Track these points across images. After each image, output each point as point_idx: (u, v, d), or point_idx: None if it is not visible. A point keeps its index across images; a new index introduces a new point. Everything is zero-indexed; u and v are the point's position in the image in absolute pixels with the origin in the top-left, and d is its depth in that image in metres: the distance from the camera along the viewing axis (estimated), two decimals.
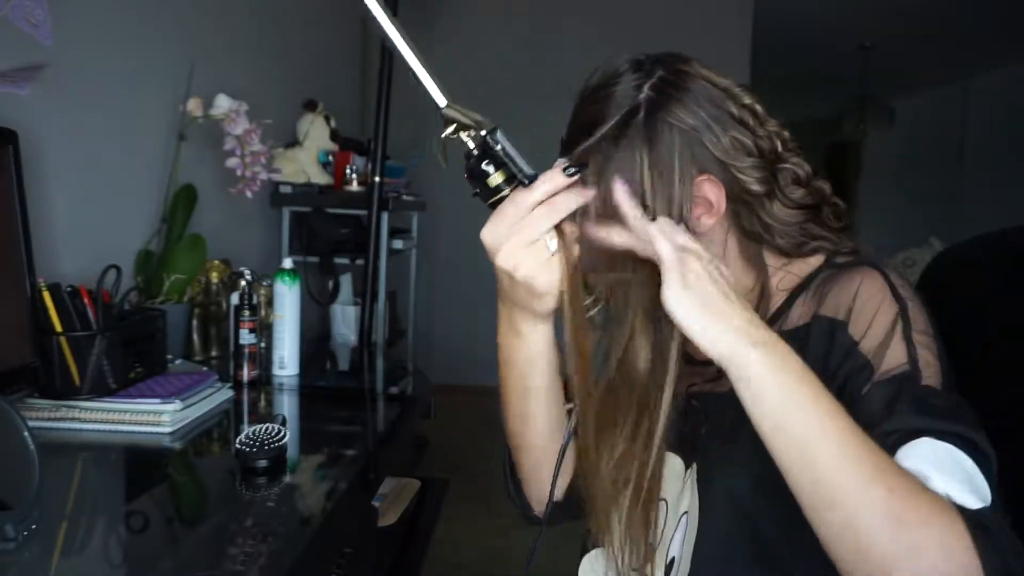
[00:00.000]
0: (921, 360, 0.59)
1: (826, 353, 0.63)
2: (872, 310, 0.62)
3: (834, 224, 0.72)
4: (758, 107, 0.69)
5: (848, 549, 0.50)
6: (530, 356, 0.69)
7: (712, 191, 0.66)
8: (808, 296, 0.69)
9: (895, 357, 0.60)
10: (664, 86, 0.66)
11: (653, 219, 0.61)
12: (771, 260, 0.72)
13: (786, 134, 0.70)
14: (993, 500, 0.52)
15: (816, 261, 0.71)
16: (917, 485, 0.50)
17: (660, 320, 0.64)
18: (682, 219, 0.64)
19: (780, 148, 0.69)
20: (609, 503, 0.70)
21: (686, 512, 0.70)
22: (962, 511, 0.49)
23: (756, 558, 0.67)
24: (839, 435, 0.52)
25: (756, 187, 0.67)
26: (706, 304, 0.55)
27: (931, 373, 0.58)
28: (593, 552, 0.79)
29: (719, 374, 0.72)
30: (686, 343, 0.79)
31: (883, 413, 0.57)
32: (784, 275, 0.72)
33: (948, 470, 0.52)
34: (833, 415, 0.52)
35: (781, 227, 0.69)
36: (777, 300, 0.71)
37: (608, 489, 0.69)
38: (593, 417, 0.67)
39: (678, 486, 0.72)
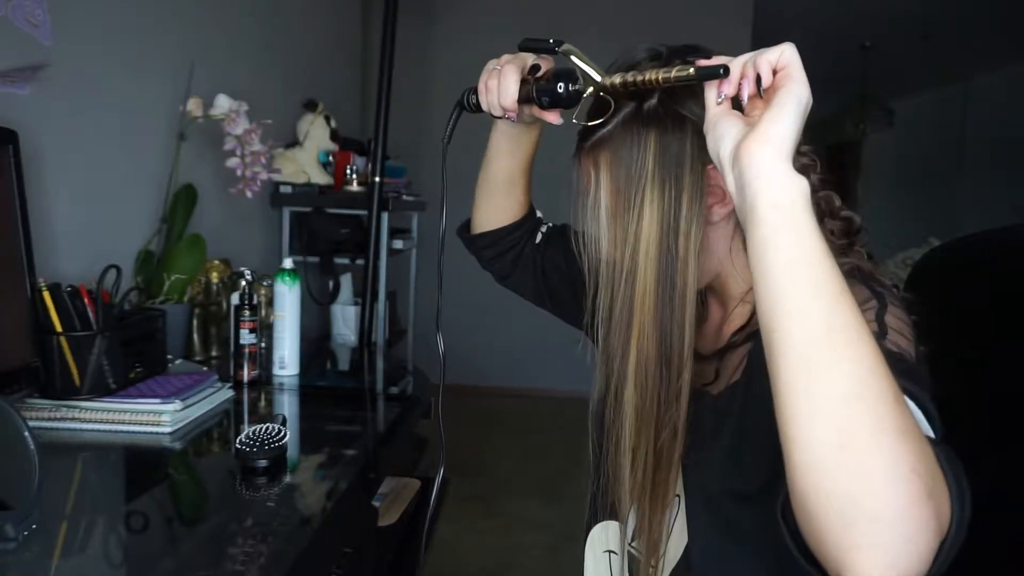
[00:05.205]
0: (890, 324, 0.57)
1: None
2: None
3: (838, 240, 0.69)
4: None
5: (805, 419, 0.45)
6: (493, 144, 0.92)
7: (722, 179, 0.66)
8: None
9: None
10: None
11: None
12: None
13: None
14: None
15: None
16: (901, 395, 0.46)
17: (673, 300, 0.66)
18: (699, 206, 0.65)
19: None
20: (628, 474, 0.70)
21: (678, 495, 0.72)
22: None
23: (733, 545, 0.68)
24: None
25: None
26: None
27: (898, 339, 0.56)
28: (603, 524, 0.81)
29: (715, 376, 0.72)
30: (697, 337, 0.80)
31: None
32: None
33: None
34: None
35: None
36: None
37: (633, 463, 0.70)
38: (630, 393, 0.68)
39: (677, 466, 0.73)
